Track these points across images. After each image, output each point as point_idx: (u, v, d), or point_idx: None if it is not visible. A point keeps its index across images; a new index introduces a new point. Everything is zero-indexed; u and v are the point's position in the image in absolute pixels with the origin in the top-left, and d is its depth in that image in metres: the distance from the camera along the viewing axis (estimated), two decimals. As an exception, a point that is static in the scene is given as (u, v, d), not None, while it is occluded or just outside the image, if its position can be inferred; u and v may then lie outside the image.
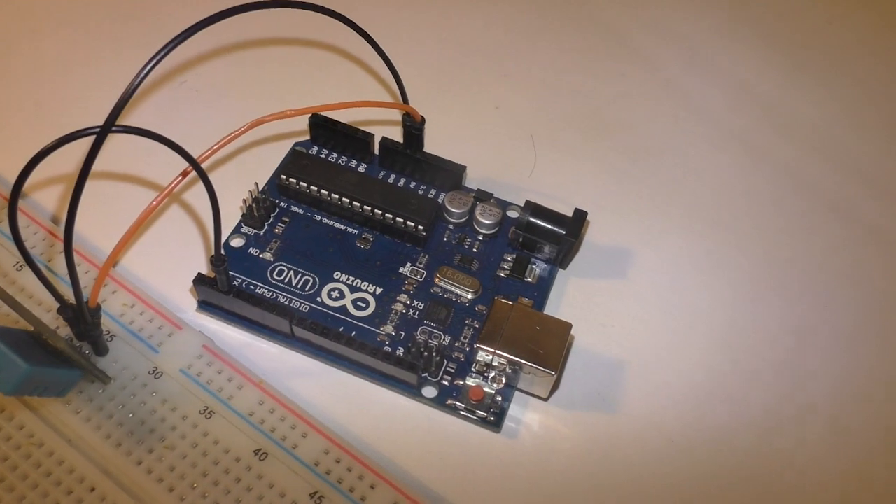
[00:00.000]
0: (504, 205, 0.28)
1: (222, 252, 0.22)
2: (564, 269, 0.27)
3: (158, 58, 0.18)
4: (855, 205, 0.29)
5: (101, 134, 0.17)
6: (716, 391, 0.25)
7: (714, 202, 0.29)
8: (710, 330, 0.26)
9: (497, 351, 0.22)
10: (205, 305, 0.25)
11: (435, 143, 0.28)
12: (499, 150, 0.30)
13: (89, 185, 0.17)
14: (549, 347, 0.23)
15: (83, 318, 0.21)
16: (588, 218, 0.28)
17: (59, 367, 0.20)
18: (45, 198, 0.27)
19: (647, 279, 0.27)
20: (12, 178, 0.18)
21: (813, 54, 0.34)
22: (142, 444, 0.21)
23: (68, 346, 0.20)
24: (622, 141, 0.31)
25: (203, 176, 0.20)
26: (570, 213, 0.26)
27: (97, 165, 0.18)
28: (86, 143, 0.17)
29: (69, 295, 0.20)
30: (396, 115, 0.27)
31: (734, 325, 0.26)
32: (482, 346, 0.23)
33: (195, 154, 0.20)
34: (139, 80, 0.18)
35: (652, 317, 0.26)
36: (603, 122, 0.31)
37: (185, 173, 0.21)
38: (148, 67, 0.18)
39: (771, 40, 0.35)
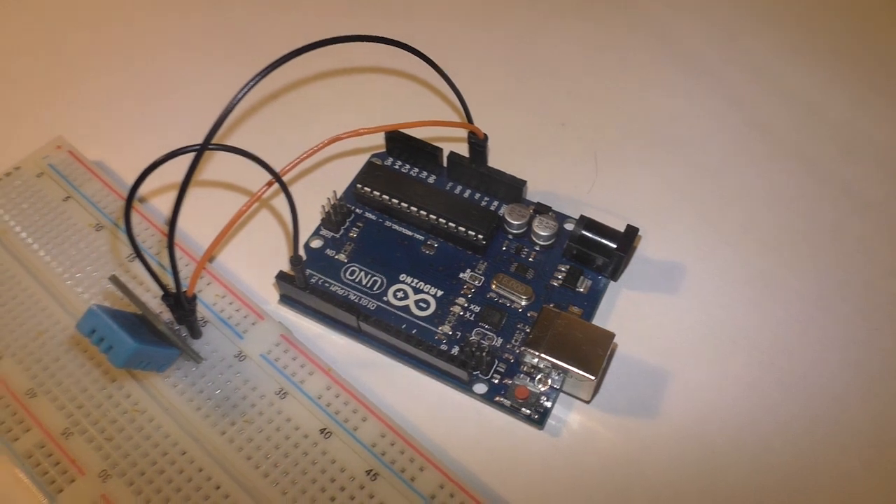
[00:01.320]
0: (562, 218, 0.29)
1: (300, 253, 0.25)
2: (615, 280, 0.28)
3: (251, 84, 0.21)
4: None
5: (200, 150, 0.20)
6: (757, 408, 0.26)
7: (770, 221, 0.30)
8: (755, 347, 0.27)
9: (542, 355, 0.24)
10: (285, 299, 0.28)
11: (500, 158, 0.30)
12: (561, 165, 0.32)
13: (191, 191, 0.21)
14: (591, 354, 0.24)
15: (182, 304, 0.24)
16: (643, 233, 0.29)
17: (160, 346, 0.24)
18: (159, 200, 0.30)
19: (696, 294, 0.28)
20: (131, 181, 0.21)
21: (882, 75, 0.34)
22: (226, 416, 0.24)
23: (168, 329, 0.23)
24: (682, 158, 0.32)
25: (283, 187, 0.23)
26: (623, 229, 0.27)
27: (198, 173, 0.21)
28: (189, 156, 0.20)
29: (172, 285, 0.23)
30: (464, 133, 0.29)
31: (780, 345, 0.27)
32: (528, 350, 0.25)
33: (279, 167, 0.23)
34: (234, 103, 0.21)
35: (698, 331, 0.27)
36: (664, 138, 0.33)
37: (269, 184, 0.24)
38: (242, 93, 0.21)
39: (840, 59, 0.35)
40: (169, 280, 0.24)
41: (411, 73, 0.34)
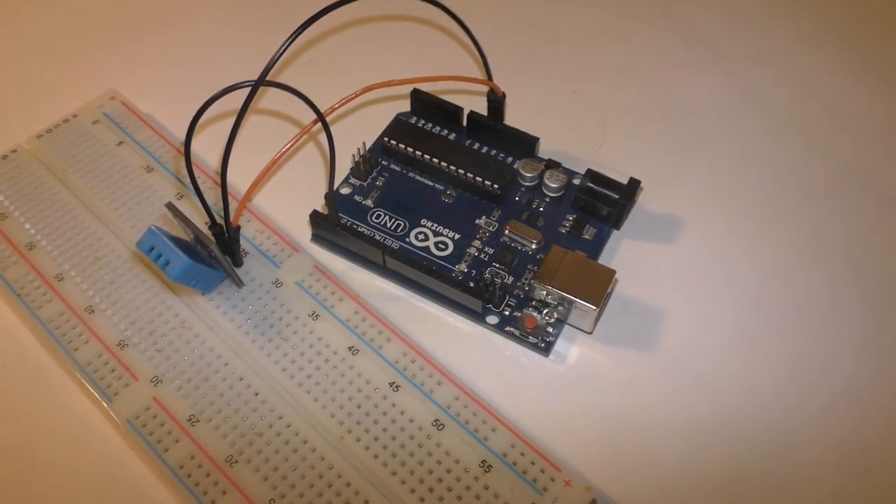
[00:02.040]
0: (571, 174, 0.32)
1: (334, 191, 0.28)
2: (618, 229, 0.31)
3: (297, 33, 0.24)
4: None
5: (255, 86, 0.23)
6: (744, 344, 0.28)
7: (764, 182, 0.32)
8: (745, 291, 0.29)
9: (549, 286, 0.27)
10: (316, 238, 0.31)
11: (515, 118, 0.33)
12: (572, 127, 0.34)
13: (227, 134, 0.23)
14: (593, 287, 0.27)
15: (227, 234, 0.27)
16: (644, 187, 0.32)
17: (209, 267, 0.26)
18: (199, 147, 0.33)
19: (692, 244, 0.31)
20: (178, 131, 0.24)
21: (881, 54, 0.37)
22: (264, 334, 0.27)
23: (217, 251, 0.26)
24: (685, 125, 0.34)
25: (325, 126, 0.25)
26: (626, 182, 0.30)
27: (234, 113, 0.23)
28: (233, 105, 0.23)
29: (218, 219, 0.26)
30: (484, 89, 0.32)
31: (768, 290, 0.29)
32: (537, 282, 0.27)
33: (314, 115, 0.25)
34: (283, 49, 0.23)
35: (693, 276, 0.30)
36: (669, 107, 0.35)
37: (314, 122, 0.26)
38: (286, 43, 0.23)
39: (835, 37, 0.37)
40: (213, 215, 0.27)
41: (438, 26, 0.37)
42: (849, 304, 0.29)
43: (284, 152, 0.27)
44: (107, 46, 0.37)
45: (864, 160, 0.33)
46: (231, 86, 0.23)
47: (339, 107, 0.27)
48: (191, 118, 0.24)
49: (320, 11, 0.24)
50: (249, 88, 0.23)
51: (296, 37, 0.24)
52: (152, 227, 0.25)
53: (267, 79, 0.23)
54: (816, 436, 0.26)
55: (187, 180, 0.31)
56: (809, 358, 0.28)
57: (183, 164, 0.31)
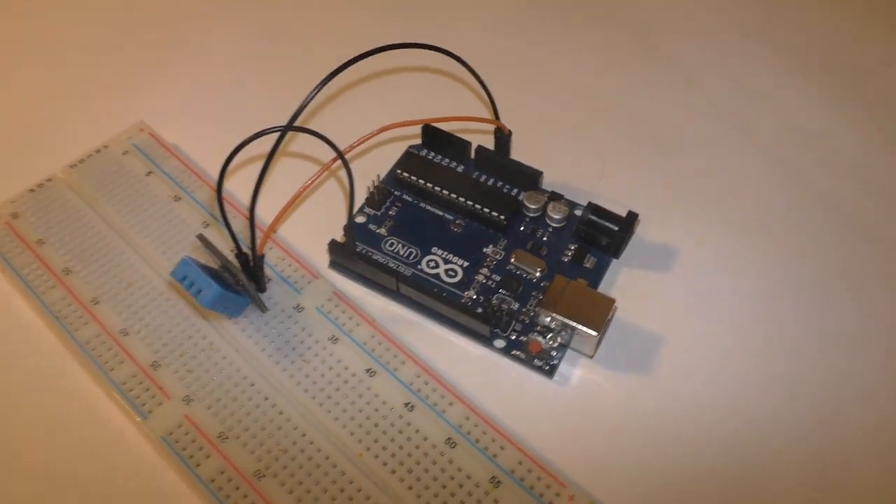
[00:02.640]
0: (573, 205, 0.34)
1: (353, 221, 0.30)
2: (617, 258, 0.33)
3: (322, 84, 0.26)
4: (883, 225, 0.34)
5: (284, 130, 0.25)
6: (737, 366, 0.30)
7: (754, 214, 0.35)
8: (738, 318, 0.31)
9: (553, 313, 0.29)
10: (334, 265, 0.33)
11: (520, 152, 0.35)
12: (574, 162, 0.36)
13: (251, 170, 0.25)
14: (594, 314, 0.29)
15: (252, 261, 0.29)
16: (642, 220, 0.34)
17: (236, 293, 0.28)
18: (234, 183, 0.35)
19: (688, 273, 0.33)
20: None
21: (863, 91, 0.39)
22: (286, 357, 0.29)
23: (245, 279, 0.28)
24: (680, 160, 0.37)
25: (345, 163, 0.27)
26: (624, 215, 0.32)
27: (257, 157, 0.25)
28: (258, 148, 0.25)
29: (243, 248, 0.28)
30: (492, 128, 0.34)
31: (760, 315, 0.31)
32: (542, 309, 0.29)
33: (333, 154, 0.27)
34: (309, 99, 0.26)
35: (689, 303, 0.32)
36: (664, 142, 0.37)
37: (334, 160, 0.28)
38: (313, 93, 0.26)
39: (825, 76, 0.40)
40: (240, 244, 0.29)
41: (449, 73, 0.39)
42: (839, 326, 0.31)
43: (307, 187, 0.29)
44: (136, 77, 0.39)
45: (845, 192, 0.35)
46: (262, 131, 0.25)
47: (358, 145, 0.29)
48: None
49: (345, 63, 0.26)
50: (277, 132, 0.25)
51: (322, 87, 0.26)
52: (185, 258, 0.27)
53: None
54: (809, 455, 0.28)
55: (214, 210, 0.33)
56: (802, 380, 0.30)
57: (209, 193, 0.34)
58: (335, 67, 0.26)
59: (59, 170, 0.34)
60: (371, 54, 0.27)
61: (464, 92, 0.39)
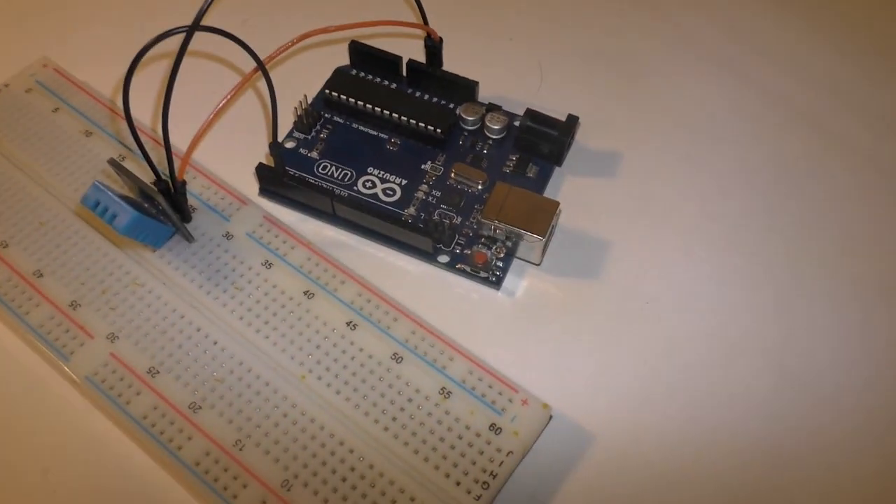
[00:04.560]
0: (512, 116, 0.33)
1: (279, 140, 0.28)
2: (560, 166, 0.32)
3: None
4: (825, 118, 0.34)
5: (190, 30, 0.23)
6: (683, 265, 0.30)
7: (694, 117, 0.34)
8: (681, 218, 0.31)
9: (496, 221, 0.28)
10: (264, 191, 0.31)
11: (454, 65, 0.33)
12: (511, 73, 0.35)
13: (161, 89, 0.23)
14: (539, 218, 0.28)
15: (174, 189, 0.27)
16: (585, 127, 0.33)
17: (157, 221, 0.26)
18: (136, 106, 0.33)
19: (631, 176, 0.32)
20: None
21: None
22: (217, 286, 0.27)
23: (165, 202, 0.26)
24: (619, 68, 0.35)
25: (265, 73, 0.25)
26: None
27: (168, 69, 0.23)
28: (166, 64, 0.23)
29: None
30: (421, 34, 0.32)
31: (703, 215, 0.31)
32: (484, 219, 0.28)
33: (250, 65, 0.25)
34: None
35: (633, 207, 0.31)
36: (604, 52, 0.36)
37: (254, 71, 0.26)
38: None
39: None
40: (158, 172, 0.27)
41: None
42: (784, 220, 0.31)
43: (225, 103, 0.27)
44: (35, 14, 0.36)
45: (788, 88, 0.35)
46: (164, 32, 0.23)
47: (278, 55, 0.27)
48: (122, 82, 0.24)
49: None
50: (183, 38, 0.23)
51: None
52: (96, 182, 0.25)
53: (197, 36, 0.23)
54: (748, 354, 0.28)
55: (128, 140, 0.31)
56: (742, 274, 0.29)
57: (122, 125, 0.31)
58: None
59: (-46, 111, 0.31)
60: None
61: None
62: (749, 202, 0.31)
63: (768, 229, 0.30)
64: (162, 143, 0.28)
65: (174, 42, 0.23)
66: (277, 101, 0.27)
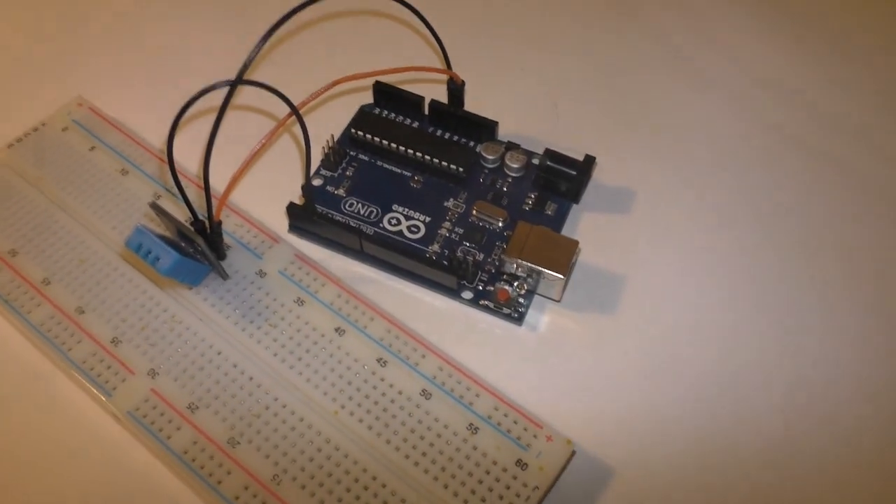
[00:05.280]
0: (530, 154, 0.34)
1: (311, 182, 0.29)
2: (577, 203, 0.33)
3: (267, 36, 0.25)
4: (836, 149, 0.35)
5: (234, 85, 0.24)
6: (704, 300, 0.31)
7: (708, 157, 0.35)
8: (698, 255, 0.32)
9: (518, 259, 0.29)
10: (294, 228, 0.32)
11: (474, 102, 0.34)
12: (529, 111, 0.36)
13: (198, 135, 0.24)
14: (559, 257, 0.29)
15: (210, 229, 0.28)
16: (600, 164, 0.34)
17: (195, 261, 0.27)
18: (181, 152, 0.34)
19: (646, 213, 0.33)
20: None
21: (816, 31, 0.40)
22: (252, 322, 0.28)
23: (203, 244, 0.27)
24: (634, 102, 0.37)
25: (300, 119, 0.27)
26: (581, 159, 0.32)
27: (200, 121, 0.25)
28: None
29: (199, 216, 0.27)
30: (444, 78, 0.34)
31: (714, 251, 0.32)
32: (507, 257, 0.29)
33: (281, 114, 0.26)
34: (257, 49, 0.25)
35: (648, 243, 0.32)
36: (617, 88, 0.37)
37: (288, 116, 0.28)
38: (260, 43, 0.25)
39: (778, 16, 0.40)
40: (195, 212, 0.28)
41: (397, 19, 0.39)
42: (800, 252, 0.32)
43: (260, 148, 0.28)
44: (71, 53, 0.38)
45: (800, 124, 0.36)
46: (210, 85, 0.24)
47: (311, 101, 0.28)
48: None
49: (290, 12, 0.25)
50: (225, 89, 0.24)
51: (269, 36, 0.25)
52: (139, 226, 0.26)
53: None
54: (771, 387, 0.29)
55: (163, 181, 0.32)
56: (766, 307, 0.30)
57: (157, 165, 0.32)
58: (276, 20, 0.25)
59: (-4, 150, 0.33)
60: (312, 3, 0.26)
61: (414, 40, 0.38)
62: (764, 235, 0.32)
63: (786, 260, 0.32)
64: (200, 184, 0.29)
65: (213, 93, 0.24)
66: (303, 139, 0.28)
